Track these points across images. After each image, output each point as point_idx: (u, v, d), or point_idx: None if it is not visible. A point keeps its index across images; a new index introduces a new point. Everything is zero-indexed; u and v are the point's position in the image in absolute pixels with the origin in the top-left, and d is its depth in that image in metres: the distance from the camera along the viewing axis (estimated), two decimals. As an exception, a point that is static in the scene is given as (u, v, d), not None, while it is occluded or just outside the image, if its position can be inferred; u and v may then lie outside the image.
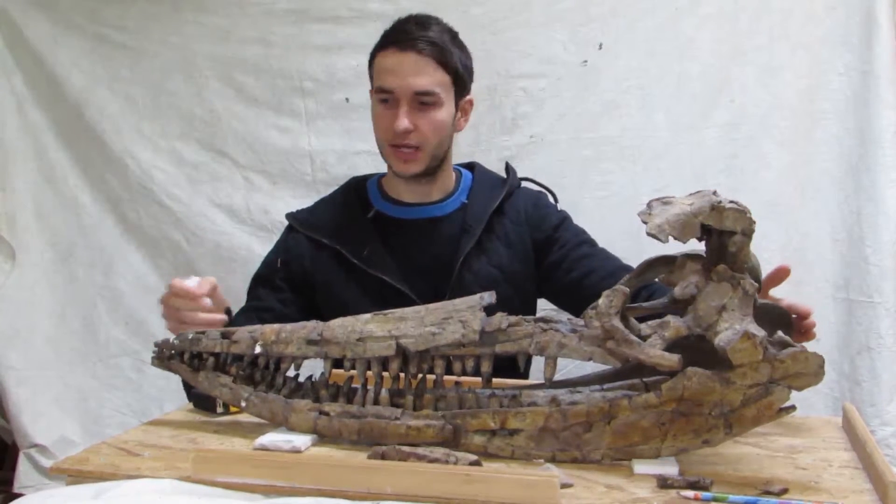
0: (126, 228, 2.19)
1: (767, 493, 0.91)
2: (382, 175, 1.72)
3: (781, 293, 1.90)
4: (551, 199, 1.77)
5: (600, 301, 1.01)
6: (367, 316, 1.11)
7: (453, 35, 1.61)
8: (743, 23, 1.96)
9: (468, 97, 1.66)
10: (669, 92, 1.99)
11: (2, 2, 2.12)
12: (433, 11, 1.64)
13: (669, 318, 1.00)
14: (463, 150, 1.96)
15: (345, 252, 1.60)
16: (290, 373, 1.16)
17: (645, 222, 1.00)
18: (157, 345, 1.24)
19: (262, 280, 1.66)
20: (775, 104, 1.95)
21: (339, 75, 2.09)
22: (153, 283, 2.19)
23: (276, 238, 1.75)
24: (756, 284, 0.98)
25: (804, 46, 1.94)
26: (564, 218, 1.71)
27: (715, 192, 1.01)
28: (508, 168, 1.77)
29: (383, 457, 0.99)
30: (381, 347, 1.07)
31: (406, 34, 1.56)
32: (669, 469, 0.97)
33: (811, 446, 1.12)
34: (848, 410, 1.20)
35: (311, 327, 1.13)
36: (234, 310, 1.67)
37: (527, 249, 1.65)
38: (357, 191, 1.71)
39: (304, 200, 1.97)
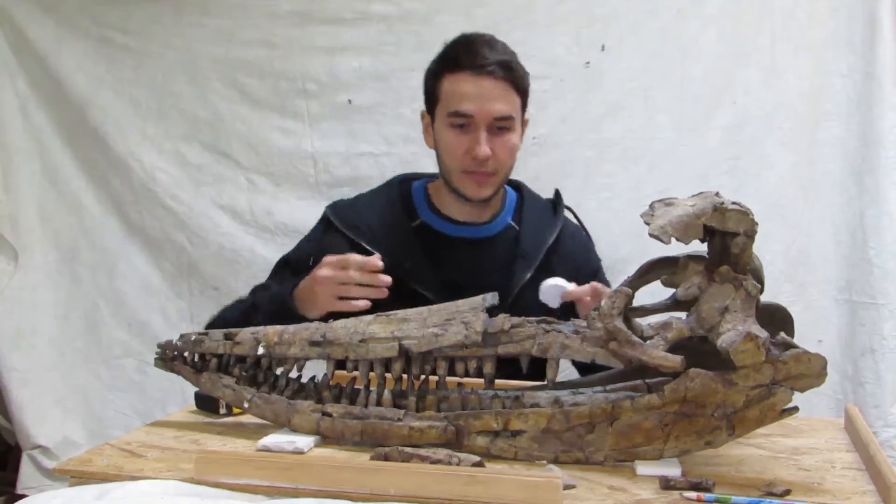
0: (129, 230, 2.19)
1: (770, 494, 0.91)
2: (429, 179, 1.69)
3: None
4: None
5: (603, 302, 1.01)
6: (370, 317, 1.11)
7: (514, 54, 1.57)
8: (745, 24, 1.96)
9: (525, 116, 1.64)
10: (672, 93, 1.99)
11: (6, 4, 2.12)
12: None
13: (672, 319, 1.00)
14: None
15: (385, 262, 1.55)
16: (293, 374, 1.16)
17: (647, 223, 0.99)
18: (160, 346, 1.24)
19: (291, 265, 1.63)
20: (778, 106, 1.95)
21: (342, 77, 2.09)
22: (156, 284, 2.19)
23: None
24: (759, 286, 0.98)
25: (807, 48, 1.94)
26: (598, 269, 1.71)
27: (717, 194, 1.01)
28: (558, 195, 1.75)
29: (386, 458, 0.99)
30: (383, 348, 1.07)
31: (479, 56, 1.52)
32: (672, 470, 0.97)
33: (814, 448, 1.12)
34: (851, 412, 1.20)
35: (313, 328, 1.13)
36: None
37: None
38: (401, 195, 1.67)
39: (307, 202, 1.97)
